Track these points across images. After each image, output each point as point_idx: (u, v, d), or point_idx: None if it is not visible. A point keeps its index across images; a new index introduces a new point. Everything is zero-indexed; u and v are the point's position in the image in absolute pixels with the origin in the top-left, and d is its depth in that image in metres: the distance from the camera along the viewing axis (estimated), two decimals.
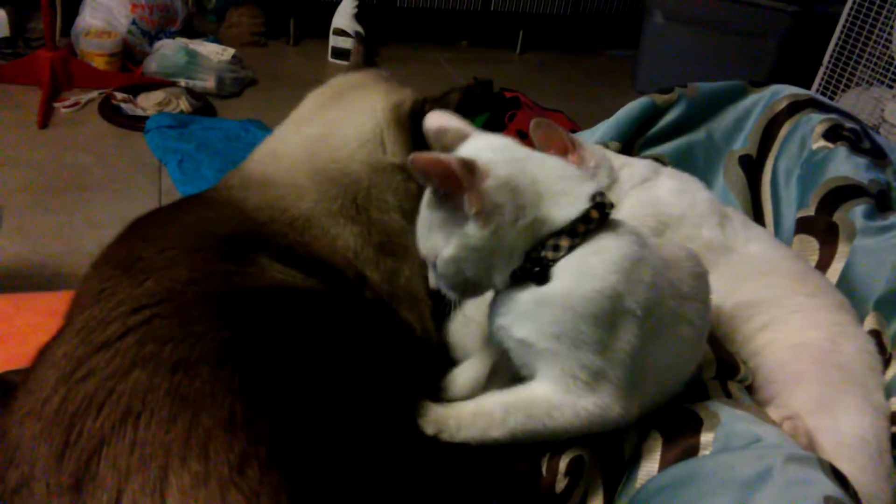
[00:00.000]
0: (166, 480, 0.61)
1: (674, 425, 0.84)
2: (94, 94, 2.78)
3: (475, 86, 2.64)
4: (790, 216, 1.30)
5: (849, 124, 1.33)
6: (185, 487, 0.61)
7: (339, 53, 3.53)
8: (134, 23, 3.08)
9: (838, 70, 2.80)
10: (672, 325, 0.80)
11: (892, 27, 2.60)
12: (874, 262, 1.13)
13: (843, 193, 1.22)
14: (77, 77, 2.83)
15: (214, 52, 3.07)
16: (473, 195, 0.73)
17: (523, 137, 1.90)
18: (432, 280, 0.83)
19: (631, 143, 1.42)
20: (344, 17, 3.48)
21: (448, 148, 0.81)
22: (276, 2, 3.60)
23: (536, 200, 0.76)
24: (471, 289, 0.81)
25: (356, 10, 3.48)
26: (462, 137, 0.81)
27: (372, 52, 3.58)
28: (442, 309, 1.00)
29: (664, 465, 0.82)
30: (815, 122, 1.34)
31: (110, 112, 2.68)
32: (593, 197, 0.77)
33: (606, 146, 1.34)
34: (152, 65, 2.98)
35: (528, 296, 0.76)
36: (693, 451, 0.81)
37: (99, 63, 2.93)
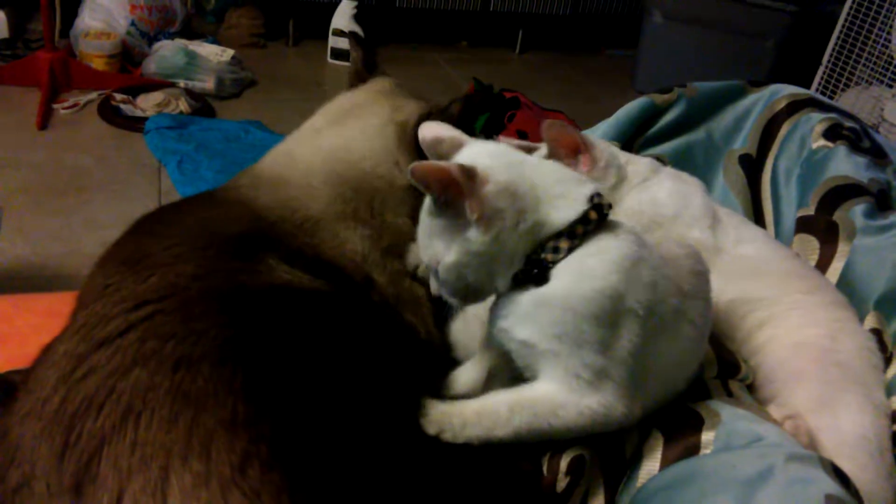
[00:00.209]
0: (167, 481, 0.61)
1: (675, 424, 0.84)
2: (94, 95, 2.79)
3: (476, 93, 2.65)
4: (790, 215, 1.30)
5: (848, 123, 1.33)
6: (187, 488, 0.60)
7: (339, 54, 3.53)
8: (133, 24, 3.08)
9: (838, 69, 2.80)
10: (674, 323, 0.80)
11: (891, 26, 2.61)
12: (874, 261, 1.13)
13: (843, 192, 1.22)
14: (76, 78, 2.84)
15: (213, 53, 3.07)
16: (474, 201, 0.74)
17: (523, 137, 1.91)
18: (434, 287, 0.83)
19: (630, 142, 1.42)
20: (343, 17, 3.49)
21: (444, 157, 0.81)
22: (275, 3, 3.61)
23: (536, 204, 0.76)
24: (472, 294, 0.81)
25: (355, 10, 3.48)
26: (457, 146, 0.81)
27: (371, 52, 3.58)
28: (444, 313, 1.00)
29: (665, 464, 0.81)
30: (815, 122, 1.34)
31: (109, 113, 2.68)
32: (591, 198, 0.77)
33: None
34: (151, 66, 2.98)
35: (529, 298, 0.76)
36: (694, 449, 0.81)
37: (98, 64, 2.94)
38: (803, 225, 1.25)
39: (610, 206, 0.78)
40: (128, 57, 3.07)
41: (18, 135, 2.50)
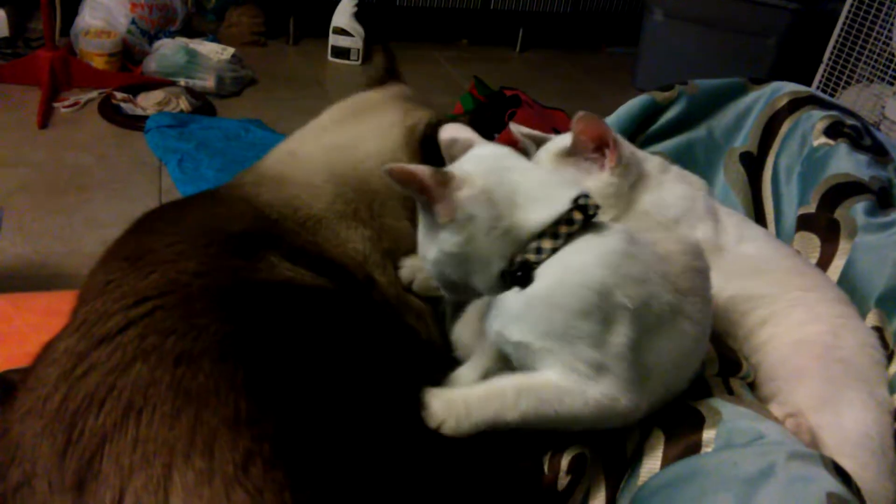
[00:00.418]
0: (170, 478, 0.61)
1: (676, 422, 0.84)
2: (94, 93, 2.79)
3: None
4: (791, 213, 1.30)
5: (850, 121, 1.33)
6: (190, 485, 0.60)
7: (339, 52, 3.53)
8: (133, 22, 3.08)
9: (839, 67, 2.80)
10: (672, 320, 0.80)
11: (892, 24, 2.60)
12: (876, 259, 1.13)
13: (844, 190, 1.22)
14: (77, 77, 2.84)
15: (214, 52, 3.07)
16: (442, 206, 0.77)
17: None
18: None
19: (631, 140, 1.41)
20: (343, 16, 3.49)
21: (455, 158, 0.84)
22: (275, 1, 3.60)
23: (511, 209, 0.78)
24: (460, 290, 0.84)
25: (356, 9, 3.48)
26: (467, 148, 0.84)
27: (371, 51, 3.58)
28: (440, 308, 1.01)
29: (666, 462, 0.81)
30: (816, 119, 1.34)
31: (110, 112, 2.68)
32: (576, 200, 0.78)
33: None
34: (152, 64, 2.98)
35: (517, 299, 0.77)
36: (695, 448, 0.81)
37: (98, 63, 2.93)
38: (804, 223, 1.25)
39: (597, 207, 0.79)
40: (128, 55, 3.07)
41: (19, 133, 2.50)
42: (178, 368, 0.67)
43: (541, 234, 0.77)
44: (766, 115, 1.40)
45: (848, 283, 1.13)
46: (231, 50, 3.12)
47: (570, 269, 0.76)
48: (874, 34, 2.68)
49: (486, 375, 0.85)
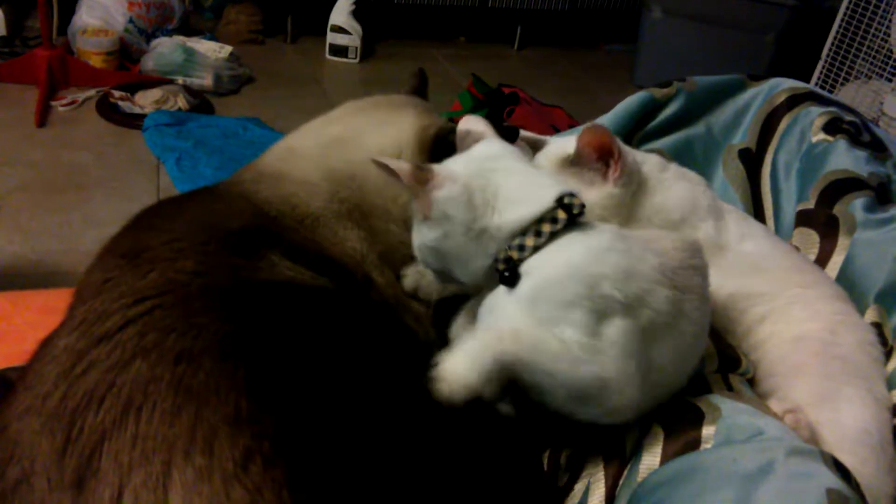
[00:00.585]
0: (169, 475, 0.61)
1: (675, 419, 0.84)
2: (92, 92, 2.78)
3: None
4: (790, 209, 1.30)
5: (848, 117, 1.33)
6: (189, 482, 0.60)
7: (337, 50, 3.52)
8: (131, 21, 3.08)
9: (837, 64, 2.80)
10: (671, 318, 0.80)
11: (890, 20, 2.60)
12: (875, 255, 1.13)
13: (843, 186, 1.22)
14: (74, 75, 2.83)
15: (212, 50, 3.06)
16: (419, 202, 0.80)
17: None
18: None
19: (630, 137, 1.41)
20: (341, 13, 3.48)
21: (465, 150, 0.86)
22: None
23: (490, 211, 0.79)
24: (446, 277, 0.86)
25: (354, 6, 3.48)
26: (478, 141, 0.87)
27: (369, 49, 3.58)
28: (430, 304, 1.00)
29: (665, 458, 0.81)
30: (815, 116, 1.34)
31: (108, 110, 2.68)
32: (560, 199, 0.79)
33: None
34: (150, 63, 2.98)
35: (504, 294, 0.79)
36: (695, 444, 0.81)
37: (96, 61, 2.93)
38: (803, 219, 1.25)
39: (583, 206, 0.80)
40: (126, 54, 3.07)
41: (17, 132, 2.50)
42: (178, 366, 0.67)
43: (523, 232, 0.78)
44: (764, 112, 1.40)
45: (847, 280, 1.13)
46: (229, 48, 3.12)
47: (556, 264, 0.77)
48: (872, 30, 2.68)
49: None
